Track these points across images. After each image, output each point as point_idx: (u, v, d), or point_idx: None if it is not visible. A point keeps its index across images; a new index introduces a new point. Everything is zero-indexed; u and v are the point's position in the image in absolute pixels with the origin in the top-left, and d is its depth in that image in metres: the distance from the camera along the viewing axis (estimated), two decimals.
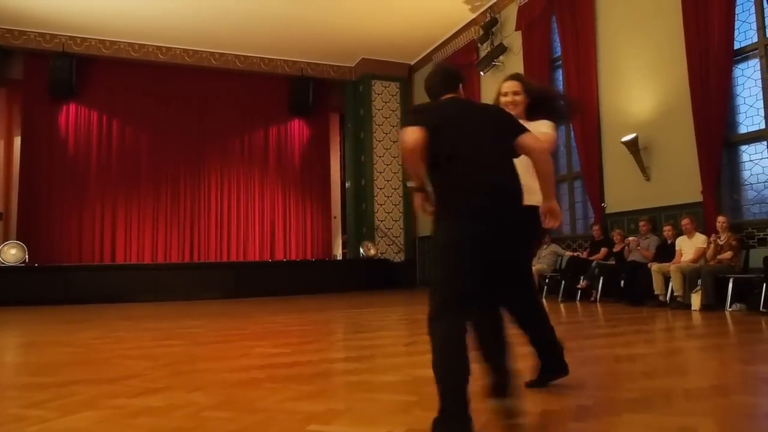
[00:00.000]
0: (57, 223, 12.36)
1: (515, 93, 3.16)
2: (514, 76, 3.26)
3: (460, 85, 2.69)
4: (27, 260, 10.88)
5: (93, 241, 12.64)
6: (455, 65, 3.41)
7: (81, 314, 8.30)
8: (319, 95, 14.59)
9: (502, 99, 3.18)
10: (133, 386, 3.22)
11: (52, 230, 12.30)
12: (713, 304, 6.48)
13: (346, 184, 15.07)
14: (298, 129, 14.76)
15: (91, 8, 11.11)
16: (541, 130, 2.96)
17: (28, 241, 11.37)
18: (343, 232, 15.49)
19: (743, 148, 7.27)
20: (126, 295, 10.51)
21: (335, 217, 15.41)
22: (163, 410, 2.69)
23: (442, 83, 2.66)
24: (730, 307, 6.41)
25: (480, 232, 2.30)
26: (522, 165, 2.54)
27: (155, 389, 3.13)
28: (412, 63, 14.30)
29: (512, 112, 2.92)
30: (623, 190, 8.53)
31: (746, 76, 7.24)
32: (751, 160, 7.18)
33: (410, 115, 2.76)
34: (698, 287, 6.63)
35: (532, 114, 3.17)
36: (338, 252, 15.47)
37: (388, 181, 13.95)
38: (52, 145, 12.52)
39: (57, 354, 4.63)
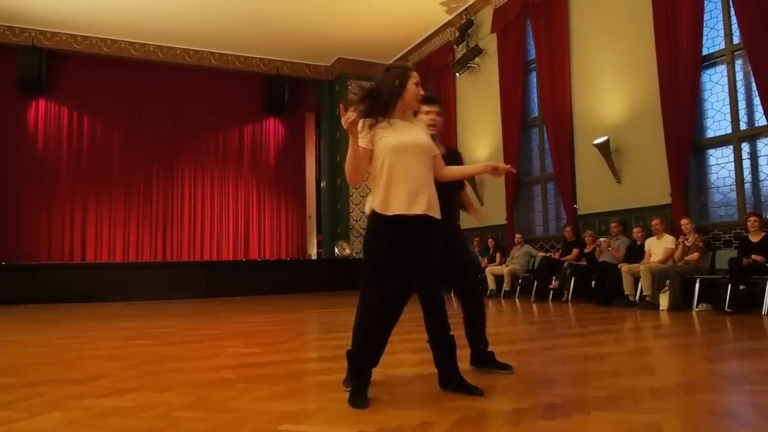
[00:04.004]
0: (26, 221, 12.12)
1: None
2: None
3: None
4: None
5: (63, 239, 12.42)
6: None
7: (50, 314, 8.15)
8: (295, 94, 14.54)
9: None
10: (102, 387, 3.18)
11: (21, 228, 12.06)
12: (680, 304, 6.62)
13: (322, 184, 15.03)
14: (273, 128, 14.69)
15: (62, 1, 10.89)
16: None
17: None
18: (318, 231, 15.45)
19: (710, 151, 7.44)
20: (96, 295, 10.34)
21: (310, 217, 15.37)
22: (132, 411, 2.66)
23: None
24: (696, 307, 6.56)
25: None
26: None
27: (125, 389, 3.10)
28: (388, 63, 14.28)
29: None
30: (595, 192, 8.66)
31: (714, 81, 7.41)
32: (717, 164, 7.35)
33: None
34: (666, 288, 6.77)
35: None
36: (313, 252, 15.42)
37: (363, 181, 13.92)
38: (21, 141, 12.28)
39: (24, 354, 4.54)
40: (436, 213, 2.85)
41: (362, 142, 2.79)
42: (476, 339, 3.41)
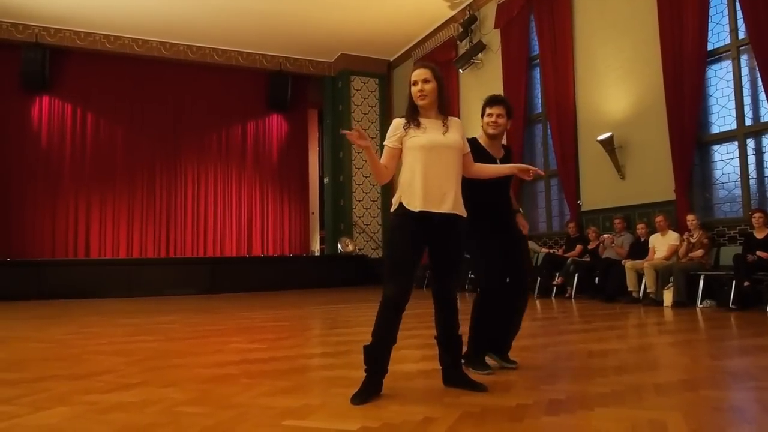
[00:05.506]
0: (29, 218, 12.14)
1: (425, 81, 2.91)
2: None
3: None
4: None
5: (66, 235, 12.45)
6: None
7: (53, 310, 8.17)
8: (298, 91, 14.54)
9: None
10: (106, 382, 3.19)
11: (25, 224, 12.08)
12: (684, 300, 6.61)
13: (324, 180, 15.03)
14: (276, 124, 14.68)
15: None
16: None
17: None
18: (321, 228, 15.46)
19: (715, 147, 7.41)
20: (100, 291, 10.37)
21: (313, 213, 15.38)
22: (136, 406, 2.66)
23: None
24: (700, 304, 6.54)
25: None
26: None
27: (128, 385, 3.10)
28: (391, 59, 14.30)
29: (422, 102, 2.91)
30: (598, 188, 8.64)
31: (719, 77, 7.38)
32: (722, 160, 7.33)
33: None
34: (670, 284, 6.75)
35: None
36: (316, 248, 15.44)
37: (366, 177, 13.93)
38: (24, 138, 12.30)
39: (28, 350, 4.56)
40: (460, 211, 2.90)
41: (390, 142, 2.91)
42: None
